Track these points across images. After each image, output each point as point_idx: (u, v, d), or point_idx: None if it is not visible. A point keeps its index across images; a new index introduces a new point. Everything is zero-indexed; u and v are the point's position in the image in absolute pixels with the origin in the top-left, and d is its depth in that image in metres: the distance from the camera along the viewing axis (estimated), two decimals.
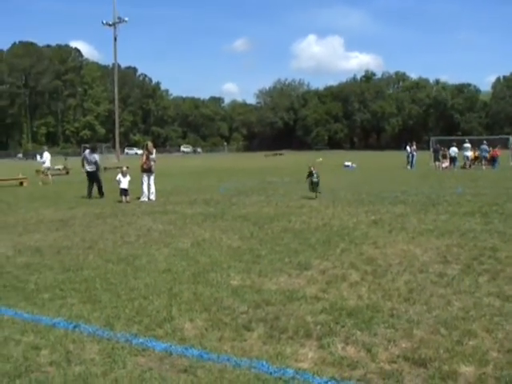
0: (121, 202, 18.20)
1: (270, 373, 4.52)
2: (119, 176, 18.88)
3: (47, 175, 30.22)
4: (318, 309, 6.12)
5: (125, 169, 19.30)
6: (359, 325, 5.58)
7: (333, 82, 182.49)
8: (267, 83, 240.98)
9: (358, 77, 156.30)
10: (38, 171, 34.62)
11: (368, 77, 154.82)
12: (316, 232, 11.29)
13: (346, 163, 43.52)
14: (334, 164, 45.93)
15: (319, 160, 57.90)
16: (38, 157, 31.14)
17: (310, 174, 18.24)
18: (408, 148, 41.53)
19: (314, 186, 18.14)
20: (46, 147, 36.36)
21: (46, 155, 30.86)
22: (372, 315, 5.86)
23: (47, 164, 30.70)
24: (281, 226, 12.24)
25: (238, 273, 7.86)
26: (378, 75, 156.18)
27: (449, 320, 5.67)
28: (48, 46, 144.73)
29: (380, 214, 13.96)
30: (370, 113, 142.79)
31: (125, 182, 18.66)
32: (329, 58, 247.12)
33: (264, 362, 4.71)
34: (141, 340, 5.30)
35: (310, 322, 5.71)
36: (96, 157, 20.88)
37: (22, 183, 28.52)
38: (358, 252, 9.22)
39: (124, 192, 18.57)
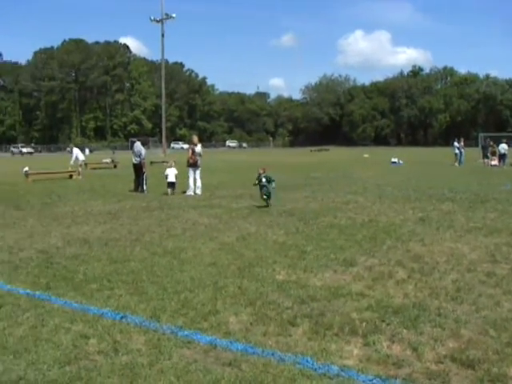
0: (167, 194, 18.47)
1: (315, 369, 4.51)
2: (167, 170, 19.30)
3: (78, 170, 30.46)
4: (363, 306, 6.07)
5: (172, 163, 19.80)
6: (405, 323, 5.52)
7: (379, 77, 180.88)
8: (313, 79, 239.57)
9: (405, 72, 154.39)
10: (86, 164, 35.27)
11: (415, 72, 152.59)
12: (362, 228, 11.20)
13: (393, 159, 42.99)
14: (381, 160, 45.57)
15: (365, 156, 57.48)
16: (74, 153, 31.42)
17: (259, 179, 14.99)
18: (456, 144, 40.80)
19: (263, 193, 14.84)
20: (72, 144, 36.96)
21: (76, 151, 31.37)
22: (418, 314, 5.78)
23: (81, 158, 31.33)
24: (326, 221, 12.19)
25: (283, 268, 7.86)
26: (426, 70, 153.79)
27: (498, 321, 5.55)
28: (97, 42, 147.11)
29: (427, 211, 13.77)
30: (418, 108, 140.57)
31: (172, 176, 19.10)
32: (376, 53, 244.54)
33: (309, 358, 4.71)
34: (186, 332, 5.35)
35: (355, 318, 5.66)
36: (141, 149, 20.96)
37: (71, 176, 29.02)
38: (404, 249, 9.11)
39: (171, 185, 19.04)
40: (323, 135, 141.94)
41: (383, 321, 5.59)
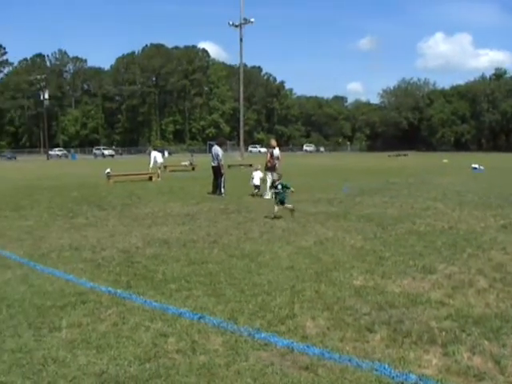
0: (253, 195, 19.11)
1: (392, 377, 4.47)
2: (253, 173, 20.30)
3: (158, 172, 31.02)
4: (442, 314, 5.95)
5: (259, 166, 20.65)
6: (487, 334, 5.37)
7: (460, 80, 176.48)
8: (392, 82, 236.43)
9: (488, 75, 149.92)
10: (165, 167, 35.96)
11: (499, 75, 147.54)
12: (441, 235, 10.96)
13: (474, 165, 41.81)
14: (461, 166, 44.44)
15: (445, 161, 56.19)
16: (152, 155, 32.15)
17: (275, 186, 14.60)
18: None
19: (277, 200, 14.27)
20: (151, 147, 37.66)
21: (154, 153, 32.02)
22: (501, 325, 5.62)
23: (159, 160, 31.96)
24: (405, 227, 12.00)
25: (360, 273, 7.79)
26: (511, 73, 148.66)
27: None
28: (176, 47, 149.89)
29: (510, 218, 13.33)
30: (500, 113, 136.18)
31: (257, 179, 19.96)
32: (457, 55, 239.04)
33: (386, 366, 4.65)
34: (263, 335, 5.38)
35: (434, 327, 5.56)
36: (219, 152, 21.16)
37: (151, 178, 29.65)
38: (486, 258, 8.86)
39: (256, 188, 19.85)
40: (401, 140, 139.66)
41: (463, 331, 5.46)
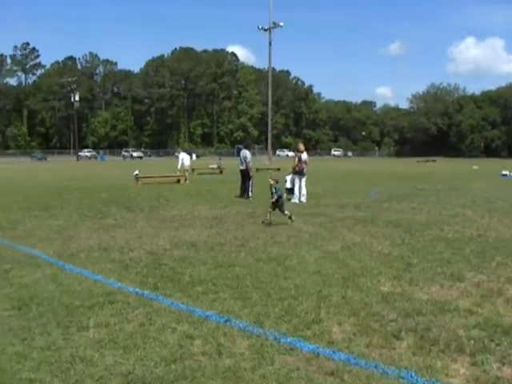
0: (289, 199, 18.94)
1: None
2: (286, 176, 20.25)
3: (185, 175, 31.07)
4: (471, 323, 5.88)
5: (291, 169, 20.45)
6: None
7: (491, 86, 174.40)
8: (421, 87, 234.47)
9: None
10: (193, 170, 36.11)
11: None
12: (470, 243, 10.84)
13: (504, 172, 41.30)
14: (490, 172, 43.94)
15: (474, 168, 55.61)
16: (181, 156, 32.10)
17: (271, 191, 14.05)
18: None
19: (274, 206, 13.73)
20: (180, 149, 37.74)
21: (182, 155, 32.01)
22: None
23: (186, 163, 31.75)
24: (433, 234, 11.89)
25: (388, 279, 7.75)
26: None
27: None
28: (205, 50, 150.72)
29: None
30: None
31: (289, 182, 20.06)
32: (488, 61, 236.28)
33: (413, 373, 4.61)
34: (289, 339, 5.37)
35: (462, 336, 5.49)
36: (247, 154, 21.16)
37: (179, 180, 29.79)
38: None
39: (289, 191, 19.74)
40: (430, 145, 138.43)
41: (492, 340, 5.39)
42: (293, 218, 13.52)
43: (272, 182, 14.05)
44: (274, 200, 13.61)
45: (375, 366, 4.74)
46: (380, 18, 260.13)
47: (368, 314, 6.14)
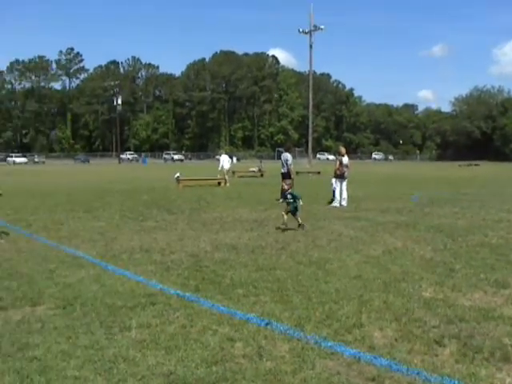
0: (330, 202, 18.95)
1: None
2: (332, 179, 19.75)
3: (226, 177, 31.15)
4: None
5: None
6: None
7: None
8: (464, 90, 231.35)
9: None
10: (233, 172, 36.22)
11: None
12: None
13: None
14: None
15: None
16: (222, 158, 32.14)
17: (285, 196, 13.72)
18: None
19: (288, 208, 13.36)
20: (222, 151, 37.80)
21: (223, 158, 32.09)
22: None
23: (225, 166, 31.73)
24: (476, 239, 11.69)
25: (430, 285, 7.64)
26: None
27: None
28: (246, 54, 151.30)
29: None
30: None
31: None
32: None
33: (456, 381, 4.54)
34: (330, 344, 5.35)
35: (507, 344, 5.37)
36: (288, 157, 21.05)
37: (219, 183, 29.94)
38: None
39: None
40: (473, 149, 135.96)
41: None
42: (305, 227, 13.04)
43: (286, 187, 13.80)
44: (280, 201, 13.27)
45: (417, 373, 4.68)
46: (422, 20, 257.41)
47: (410, 320, 6.07)
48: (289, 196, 13.46)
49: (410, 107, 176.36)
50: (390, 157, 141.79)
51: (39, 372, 4.73)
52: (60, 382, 4.54)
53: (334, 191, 19.45)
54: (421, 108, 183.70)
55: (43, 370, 4.76)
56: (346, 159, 19.34)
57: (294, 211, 13.28)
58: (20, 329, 5.85)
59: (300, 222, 13.22)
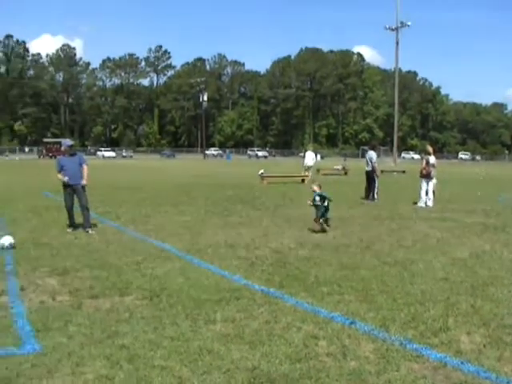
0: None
1: None
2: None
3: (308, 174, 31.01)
4: None
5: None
6: None
7: None
8: None
9: None
10: (318, 170, 36.07)
11: None
12: None
13: None
14: None
15: None
16: (306, 155, 32.08)
17: (313, 198, 12.45)
18: None
19: (318, 216, 12.27)
20: (310, 146, 37.57)
21: (307, 154, 31.99)
22: None
23: (309, 163, 31.74)
24: None
25: None
26: None
27: None
28: (331, 51, 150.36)
29: None
30: None
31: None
32: None
33: None
34: (415, 346, 5.27)
35: None
36: (373, 155, 20.80)
37: (303, 180, 29.86)
38: None
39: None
40: None
41: None
42: (327, 230, 12.16)
43: (315, 188, 12.67)
44: (311, 203, 12.35)
45: (507, 382, 4.54)
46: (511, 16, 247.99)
47: (499, 326, 5.90)
48: (317, 198, 12.29)
49: (498, 106, 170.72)
50: (477, 157, 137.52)
51: (128, 360, 4.89)
52: (148, 371, 4.67)
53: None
54: (510, 107, 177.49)
55: (132, 358, 4.92)
56: (432, 158, 18.92)
57: (323, 214, 12.20)
58: (109, 317, 6.06)
59: (324, 226, 12.21)
